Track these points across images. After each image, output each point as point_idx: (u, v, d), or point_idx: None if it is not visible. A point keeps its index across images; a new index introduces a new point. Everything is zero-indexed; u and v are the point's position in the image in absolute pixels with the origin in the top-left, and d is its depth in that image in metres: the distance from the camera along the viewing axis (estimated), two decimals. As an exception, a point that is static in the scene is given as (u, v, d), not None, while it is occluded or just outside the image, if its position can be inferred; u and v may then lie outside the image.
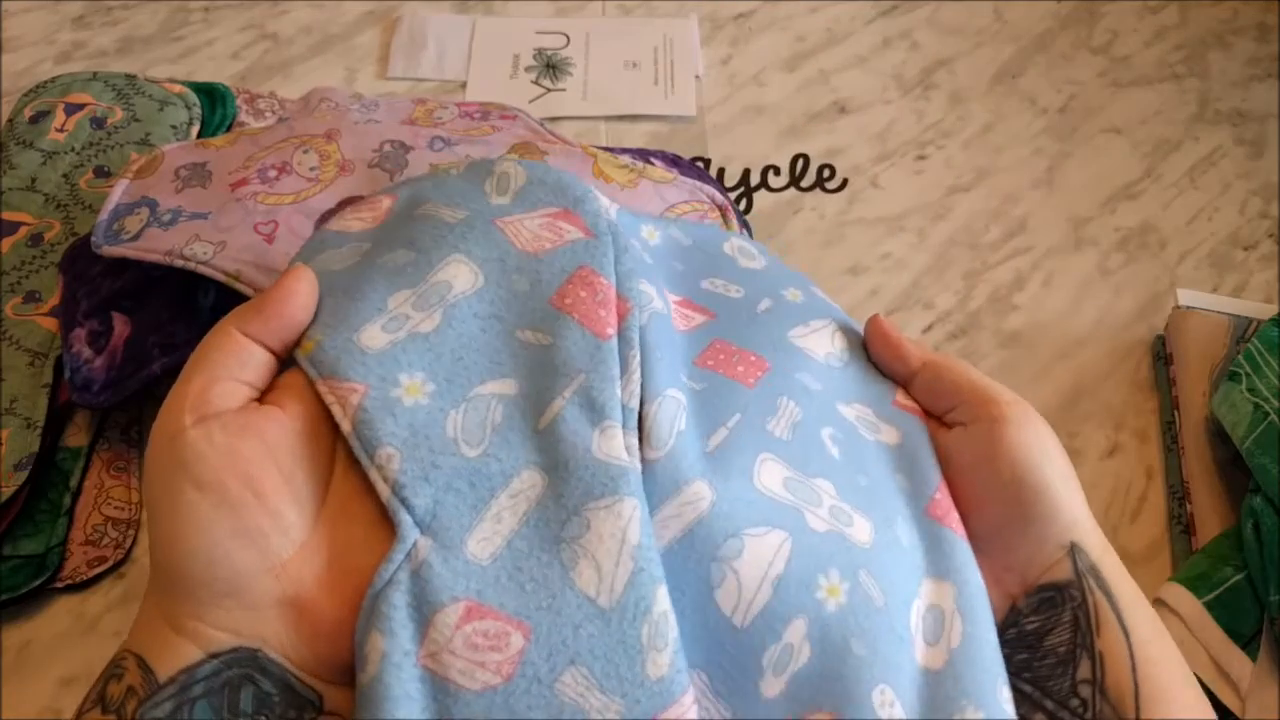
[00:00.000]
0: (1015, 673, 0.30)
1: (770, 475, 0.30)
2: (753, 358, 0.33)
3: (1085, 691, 0.29)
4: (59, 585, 0.42)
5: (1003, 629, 0.31)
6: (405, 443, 0.28)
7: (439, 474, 0.28)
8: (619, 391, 0.30)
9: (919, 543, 0.31)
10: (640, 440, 0.29)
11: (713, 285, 0.37)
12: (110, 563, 0.43)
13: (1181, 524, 0.47)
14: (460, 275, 0.31)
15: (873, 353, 0.36)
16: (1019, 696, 0.30)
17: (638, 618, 0.26)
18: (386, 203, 0.35)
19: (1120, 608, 0.29)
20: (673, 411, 0.30)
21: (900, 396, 0.35)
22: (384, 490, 0.27)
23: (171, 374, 0.44)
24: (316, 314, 0.31)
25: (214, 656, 0.26)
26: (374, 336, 0.29)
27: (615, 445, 0.29)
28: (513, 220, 0.33)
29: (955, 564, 0.30)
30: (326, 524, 0.28)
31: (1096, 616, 0.29)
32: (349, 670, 0.27)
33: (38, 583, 0.41)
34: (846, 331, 0.36)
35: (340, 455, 0.29)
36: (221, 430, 0.27)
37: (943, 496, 0.31)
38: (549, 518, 0.27)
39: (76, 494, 0.44)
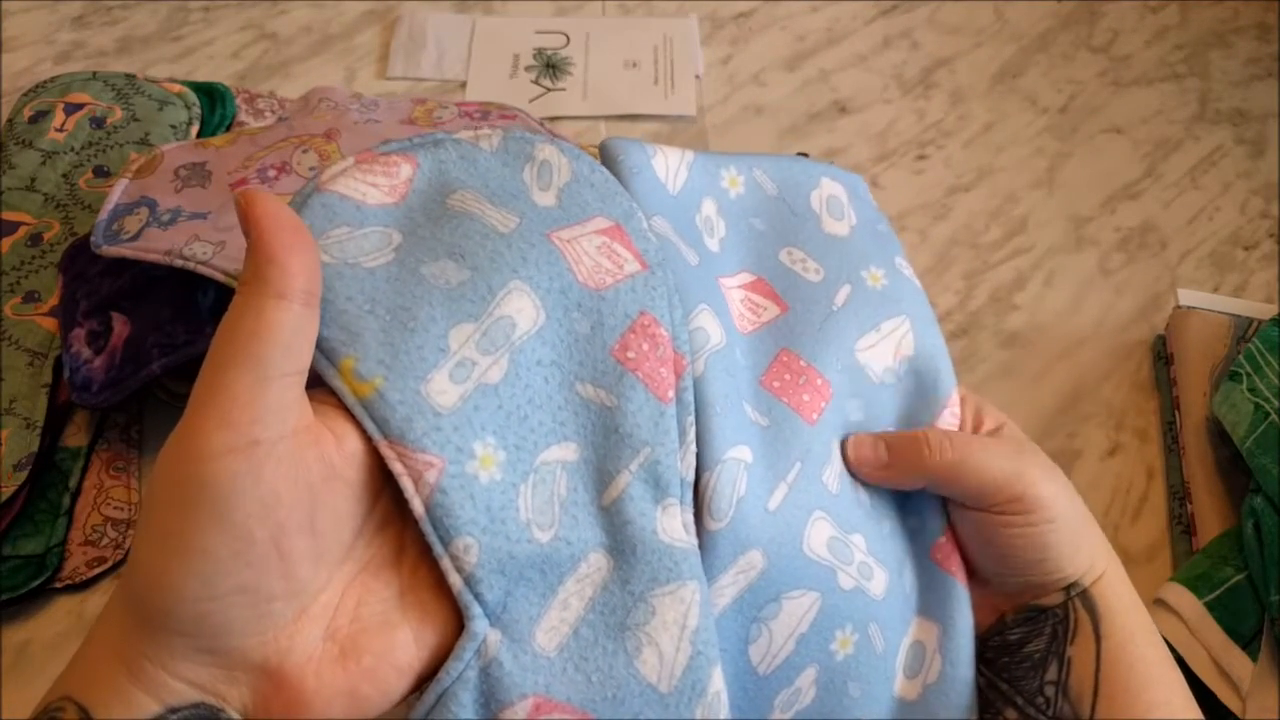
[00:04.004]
0: (995, 673, 0.33)
1: (818, 536, 0.31)
2: (819, 381, 0.33)
3: (1050, 691, 0.31)
4: (58, 585, 0.42)
5: (987, 637, 0.33)
6: (484, 530, 0.26)
7: (514, 564, 0.26)
8: (679, 464, 0.29)
9: (918, 585, 0.33)
10: (700, 509, 0.29)
11: (790, 258, 0.36)
12: (109, 563, 0.43)
13: (1182, 524, 0.47)
14: (524, 310, 0.28)
15: (892, 477, 0.33)
16: (995, 693, 0.33)
17: (693, 700, 0.26)
18: (406, 170, 0.29)
19: (1099, 617, 0.31)
20: (733, 477, 0.29)
21: (934, 425, 0.35)
22: (456, 581, 0.25)
23: (171, 374, 0.44)
24: (360, 334, 0.26)
25: (172, 711, 0.23)
26: (444, 389, 0.26)
27: (676, 525, 0.28)
28: (570, 238, 0.30)
29: (947, 609, 0.33)
30: (337, 594, 0.25)
31: (1074, 627, 0.32)
32: None
33: (37, 583, 0.41)
34: (915, 331, 0.36)
35: (377, 512, 0.26)
36: (273, 466, 0.23)
37: (947, 541, 0.33)
38: (614, 604, 0.27)
39: (76, 494, 0.44)
